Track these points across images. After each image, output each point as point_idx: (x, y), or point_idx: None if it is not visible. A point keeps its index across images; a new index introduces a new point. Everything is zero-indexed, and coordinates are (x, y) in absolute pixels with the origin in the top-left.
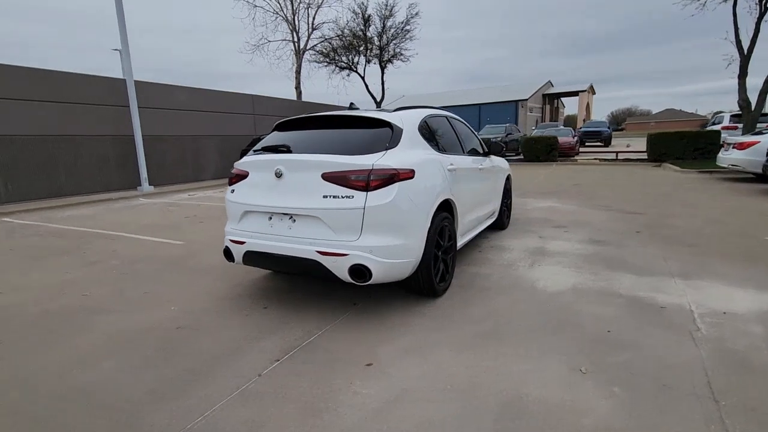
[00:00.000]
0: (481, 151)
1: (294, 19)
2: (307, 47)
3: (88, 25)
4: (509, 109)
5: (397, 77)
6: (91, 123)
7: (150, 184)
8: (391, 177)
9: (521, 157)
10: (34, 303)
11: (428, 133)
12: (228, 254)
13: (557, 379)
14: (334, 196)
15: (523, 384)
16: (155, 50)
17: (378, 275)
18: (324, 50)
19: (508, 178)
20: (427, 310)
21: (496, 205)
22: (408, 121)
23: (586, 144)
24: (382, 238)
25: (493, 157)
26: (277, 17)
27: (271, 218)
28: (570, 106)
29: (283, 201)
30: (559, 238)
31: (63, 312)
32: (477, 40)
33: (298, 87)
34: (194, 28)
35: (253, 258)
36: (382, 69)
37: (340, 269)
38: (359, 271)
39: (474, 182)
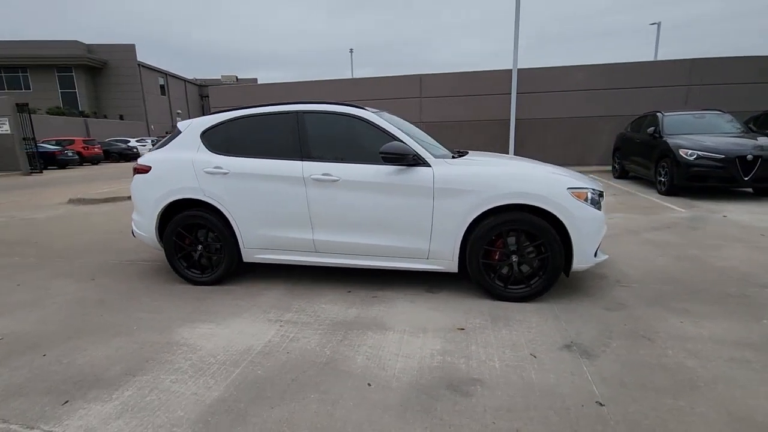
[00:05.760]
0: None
1: None
2: None
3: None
4: None
5: None
6: (479, 110)
7: None
8: (134, 169)
9: None
10: None
11: (218, 136)
12: None
13: None
14: None
15: None
16: None
17: (139, 237)
18: None
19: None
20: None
21: (431, 244)
22: (193, 125)
23: None
24: (134, 213)
25: (441, 168)
26: None
27: None
28: None
29: None
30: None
31: None
32: None
33: None
34: None
35: None
36: None
37: None
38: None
39: (283, 195)
